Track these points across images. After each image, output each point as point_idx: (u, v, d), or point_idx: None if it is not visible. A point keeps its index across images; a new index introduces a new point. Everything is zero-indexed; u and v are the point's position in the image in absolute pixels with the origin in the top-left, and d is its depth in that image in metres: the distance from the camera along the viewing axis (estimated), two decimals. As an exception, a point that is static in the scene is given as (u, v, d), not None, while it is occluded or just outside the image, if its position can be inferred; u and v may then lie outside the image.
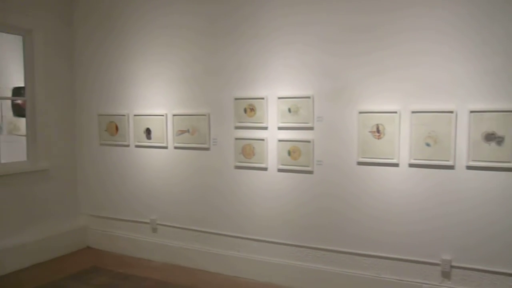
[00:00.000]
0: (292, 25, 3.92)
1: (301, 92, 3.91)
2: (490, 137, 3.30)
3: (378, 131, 3.64)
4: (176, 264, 4.61)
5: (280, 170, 4.04)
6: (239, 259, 4.27)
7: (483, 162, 3.32)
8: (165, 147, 4.64)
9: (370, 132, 3.66)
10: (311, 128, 3.89)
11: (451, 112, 3.39)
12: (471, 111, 3.33)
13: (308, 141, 3.90)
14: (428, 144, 3.48)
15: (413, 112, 3.50)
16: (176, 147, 4.58)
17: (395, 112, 3.56)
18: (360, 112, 3.68)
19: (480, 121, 3.32)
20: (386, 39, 3.57)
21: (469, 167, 3.37)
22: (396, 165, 3.59)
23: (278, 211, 4.08)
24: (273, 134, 4.06)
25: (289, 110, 3.96)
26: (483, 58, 3.29)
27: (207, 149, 4.41)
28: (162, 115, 4.62)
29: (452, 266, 3.45)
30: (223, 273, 4.34)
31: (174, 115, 4.56)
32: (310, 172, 3.91)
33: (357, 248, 3.77)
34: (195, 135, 4.45)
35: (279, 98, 3.99)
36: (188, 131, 4.49)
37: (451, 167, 3.42)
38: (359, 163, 3.72)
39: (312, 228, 3.94)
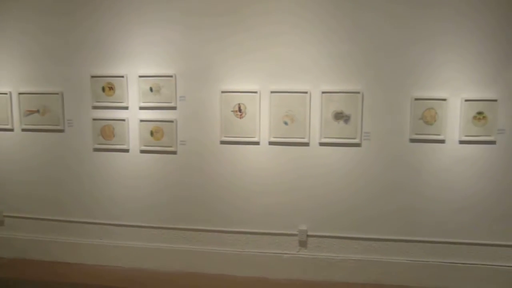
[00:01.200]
0: (155, 1, 3.76)
1: (163, 70, 3.81)
2: (339, 115, 3.64)
3: (240, 110, 3.74)
4: (29, 259, 4.26)
5: (142, 151, 3.93)
6: (102, 246, 4.11)
7: (333, 139, 3.66)
8: (10, 130, 4.16)
9: (232, 111, 3.75)
10: (174, 108, 3.84)
11: (306, 92, 3.64)
12: (323, 92, 3.62)
13: (171, 121, 3.85)
14: (286, 123, 3.70)
15: (272, 92, 3.67)
16: (24, 129, 4.14)
17: (256, 92, 3.70)
18: (223, 92, 3.73)
19: (330, 101, 3.62)
20: (247, 21, 3.65)
21: (321, 144, 3.68)
22: (257, 143, 3.76)
23: (141, 194, 3.99)
24: (134, 114, 3.91)
25: (151, 89, 3.84)
26: (330, 44, 3.58)
27: (61, 131, 4.07)
28: (6, 93, 4.11)
29: (308, 236, 3.79)
30: (85, 262, 4.14)
31: (20, 93, 4.09)
32: (174, 153, 3.89)
33: (223, 226, 3.90)
34: (47, 116, 4.07)
35: (140, 76, 3.84)
36: (38, 111, 4.08)
37: (306, 144, 3.70)
38: (222, 142, 3.80)
39: (177, 209, 3.95)
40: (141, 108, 3.89)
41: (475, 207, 3.61)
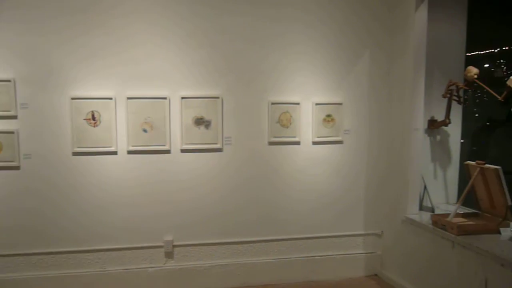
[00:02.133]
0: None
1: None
2: (199, 121, 3.65)
3: (93, 118, 3.51)
4: None
5: (-24, 169, 3.43)
6: None
7: (195, 145, 3.66)
8: None
9: (85, 119, 3.50)
10: (14, 117, 3.43)
11: (165, 98, 3.57)
12: (182, 97, 3.59)
13: (11, 132, 3.42)
14: (145, 130, 3.58)
15: (128, 98, 3.52)
16: None
17: (111, 99, 3.50)
18: (73, 98, 3.46)
19: (190, 107, 3.62)
20: (101, 22, 3.44)
21: (183, 150, 3.65)
22: (115, 153, 3.56)
23: (-22, 218, 3.48)
24: (-37, 125, 3.39)
25: (-16, 96, 3.38)
26: (190, 50, 3.58)
27: None
28: None
29: (174, 246, 3.72)
30: None
31: None
32: (16, 168, 3.46)
33: (79, 245, 3.59)
34: None
35: (-32, 81, 3.35)
36: None
37: (167, 151, 3.63)
38: (75, 154, 3.51)
39: (19, 232, 3.51)
40: (-28, 118, 3.39)
41: (326, 202, 3.95)
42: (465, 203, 3.65)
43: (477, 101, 3.91)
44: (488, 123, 4.08)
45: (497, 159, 3.47)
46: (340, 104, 3.86)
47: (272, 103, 3.74)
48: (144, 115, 3.56)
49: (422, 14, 3.50)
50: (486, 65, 3.98)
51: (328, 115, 3.85)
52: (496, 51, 3.99)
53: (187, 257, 3.76)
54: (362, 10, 3.84)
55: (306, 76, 3.80)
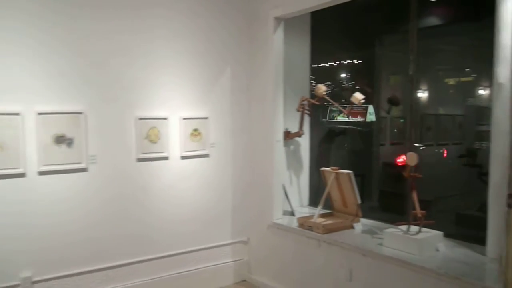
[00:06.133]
0: None
1: None
2: (60, 139, 3.48)
3: None
4: None
5: None
6: None
7: (55, 166, 3.46)
8: None
9: None
10: None
11: (18, 114, 3.30)
12: (39, 113, 3.38)
13: None
14: (-7, 152, 3.24)
15: (-30, 114, 3.15)
16: None
17: None
18: None
19: (49, 124, 3.42)
20: None
21: (41, 172, 3.42)
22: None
23: None
24: None
25: None
26: (47, 61, 3.40)
27: None
28: None
29: (33, 282, 3.43)
30: None
31: None
32: None
33: None
34: None
35: None
36: None
37: (22, 175, 3.35)
38: None
39: None
40: None
41: (196, 215, 4.19)
42: (316, 204, 4.37)
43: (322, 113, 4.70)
44: (328, 132, 4.94)
45: (340, 164, 4.24)
46: (206, 118, 4.16)
47: (140, 118, 3.81)
48: (-8, 134, 3.23)
49: (279, 36, 4.07)
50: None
51: (195, 129, 4.11)
52: (335, 64, 4.91)
53: (49, 292, 3.52)
54: (223, 29, 4.24)
55: (173, 90, 3.99)
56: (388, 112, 4.36)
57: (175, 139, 4.01)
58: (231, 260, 4.43)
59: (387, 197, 4.36)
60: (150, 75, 3.86)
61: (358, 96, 3.77)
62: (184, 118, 4.03)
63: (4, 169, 3.28)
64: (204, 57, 4.14)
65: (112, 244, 3.76)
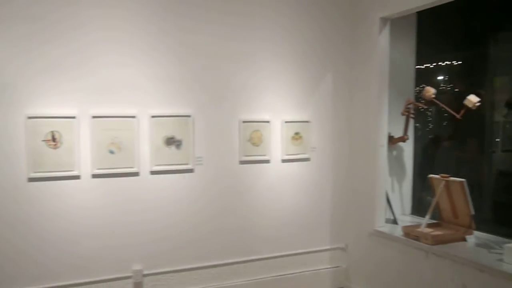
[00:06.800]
0: None
1: None
2: (170, 141, 3.68)
3: (54, 139, 3.35)
4: None
5: None
6: None
7: (165, 166, 3.67)
8: None
9: (44, 141, 3.33)
10: (-43, 140, 3.15)
11: (134, 117, 3.54)
12: (152, 116, 3.60)
13: (-45, 157, 3.14)
14: (112, 152, 3.50)
15: (94, 117, 3.43)
16: None
17: (73, 117, 3.38)
18: (30, 118, 3.27)
19: (160, 126, 3.63)
20: (60, 31, 3.32)
21: (153, 172, 3.64)
22: (77, 177, 3.43)
23: None
24: None
25: None
26: (159, 66, 3.61)
27: None
28: None
29: (144, 275, 3.66)
30: None
31: None
32: (-39, 199, 3.18)
33: (30, 283, 3.35)
34: None
35: None
36: None
37: (136, 174, 3.59)
38: (31, 180, 3.31)
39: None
40: None
41: (294, 219, 4.20)
42: (419, 213, 4.17)
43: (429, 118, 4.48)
44: (434, 138, 4.69)
45: (446, 171, 3.99)
46: (308, 122, 4.15)
47: (243, 122, 3.90)
48: (112, 135, 3.49)
49: (384, 37, 3.94)
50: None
51: (296, 133, 4.11)
52: (443, 64, 4.65)
53: (157, 286, 3.71)
54: (325, 32, 4.20)
55: (275, 93, 4.03)
56: (506, 117, 4.03)
57: (276, 142, 4.05)
58: (328, 266, 4.37)
59: (503, 209, 4.03)
60: (254, 78, 3.94)
61: (473, 99, 3.54)
62: (286, 122, 4.06)
63: (122, 168, 3.53)
64: (305, 60, 4.14)
65: (214, 244, 3.89)
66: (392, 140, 4.21)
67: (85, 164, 3.44)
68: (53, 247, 3.40)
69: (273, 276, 4.12)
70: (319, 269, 4.32)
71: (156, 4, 3.58)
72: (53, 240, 3.39)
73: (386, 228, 3.98)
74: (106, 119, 3.47)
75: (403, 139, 4.16)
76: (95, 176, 3.47)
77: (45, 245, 3.38)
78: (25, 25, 3.24)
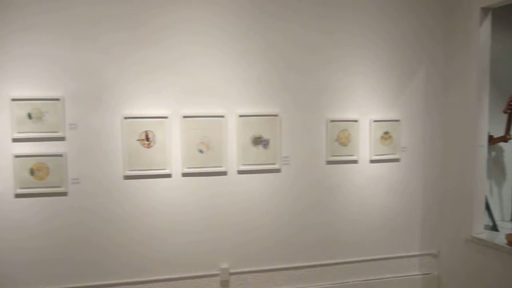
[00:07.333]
0: (36, 8, 3.25)
1: (48, 92, 3.30)
2: (257, 140, 3.68)
3: (147, 139, 3.48)
4: None
5: (18, 196, 3.32)
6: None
7: (252, 166, 3.67)
8: None
9: (138, 140, 3.46)
10: (62, 139, 3.36)
11: (222, 116, 3.58)
12: (240, 115, 3.62)
13: (59, 155, 3.34)
14: (201, 151, 3.57)
15: (184, 117, 3.52)
16: None
17: (166, 117, 3.49)
18: (126, 118, 3.42)
19: (248, 126, 3.64)
20: (154, 37, 3.44)
21: (240, 172, 3.67)
22: (169, 175, 3.54)
23: (18, 246, 3.35)
24: (5, 148, 3.29)
25: (30, 116, 3.29)
26: (246, 65, 3.62)
27: None
28: None
29: (230, 273, 3.71)
30: None
31: None
32: (64, 194, 3.39)
33: (126, 277, 3.52)
34: None
35: (14, 100, 3.26)
36: None
37: (224, 173, 3.64)
38: (127, 177, 3.47)
39: (63, 263, 3.40)
40: (16, 140, 3.29)
41: (383, 222, 4.03)
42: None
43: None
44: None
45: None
46: (398, 120, 3.97)
47: (331, 121, 3.81)
48: (201, 135, 3.55)
49: (486, 29, 3.66)
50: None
51: (386, 132, 3.95)
52: None
53: (243, 285, 3.74)
54: (416, 25, 3.97)
55: (363, 91, 3.89)
56: None
57: (365, 142, 3.92)
58: (418, 273, 4.16)
59: None
60: (340, 76, 3.83)
61: None
62: (375, 121, 3.91)
63: (211, 167, 3.59)
64: (397, 53, 3.95)
65: (299, 245, 3.84)
66: (492, 140, 3.92)
67: (176, 163, 3.53)
68: (143, 241, 3.53)
69: (359, 281, 4.00)
70: (408, 275, 4.13)
71: (248, 3, 3.59)
72: (145, 234, 3.53)
73: (485, 235, 3.71)
74: (196, 118, 3.53)
75: (504, 138, 3.86)
76: (185, 174, 3.56)
77: (136, 240, 3.52)
78: (122, 33, 3.39)
